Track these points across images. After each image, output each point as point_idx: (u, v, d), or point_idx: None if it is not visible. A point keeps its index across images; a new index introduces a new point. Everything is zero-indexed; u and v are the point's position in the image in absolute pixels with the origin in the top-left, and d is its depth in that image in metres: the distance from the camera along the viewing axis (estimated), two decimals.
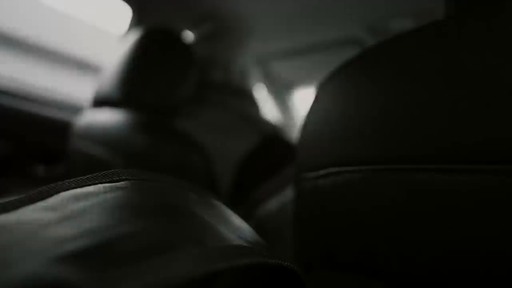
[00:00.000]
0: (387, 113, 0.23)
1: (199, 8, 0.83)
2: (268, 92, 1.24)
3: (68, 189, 0.17)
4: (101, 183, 0.18)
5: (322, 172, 0.27)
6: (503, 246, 0.17)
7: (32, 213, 0.15)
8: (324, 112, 0.28)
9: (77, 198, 0.16)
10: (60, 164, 0.97)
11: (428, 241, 0.20)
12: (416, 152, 0.21)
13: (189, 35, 0.89)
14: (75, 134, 0.71)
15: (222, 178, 0.64)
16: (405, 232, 0.21)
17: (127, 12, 0.88)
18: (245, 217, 0.62)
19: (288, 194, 0.61)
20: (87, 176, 0.18)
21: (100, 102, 0.70)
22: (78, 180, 0.18)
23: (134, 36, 0.66)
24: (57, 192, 0.17)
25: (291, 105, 1.29)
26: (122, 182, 0.18)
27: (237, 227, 0.19)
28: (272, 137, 0.72)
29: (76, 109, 1.01)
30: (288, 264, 0.17)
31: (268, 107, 1.28)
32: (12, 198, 0.16)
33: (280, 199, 0.61)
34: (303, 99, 1.30)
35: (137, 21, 0.87)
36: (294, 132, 1.30)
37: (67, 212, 0.15)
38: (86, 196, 0.16)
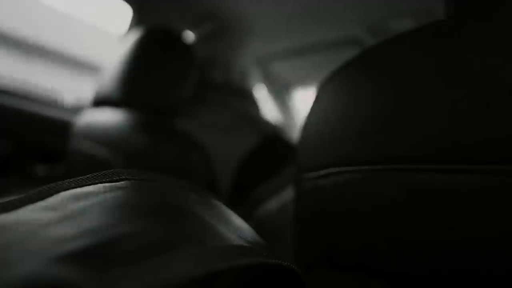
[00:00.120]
0: (387, 113, 0.23)
1: (199, 8, 0.83)
2: (268, 92, 1.24)
3: (68, 189, 0.17)
4: (101, 182, 0.18)
5: (322, 172, 0.27)
6: (503, 246, 0.17)
7: (32, 213, 0.15)
8: (325, 112, 0.28)
9: (77, 197, 0.16)
10: (60, 164, 0.97)
11: (428, 241, 0.20)
12: (416, 152, 0.21)
13: (189, 35, 0.89)
14: (75, 134, 0.71)
15: (222, 178, 0.64)
16: (405, 232, 0.21)
17: (127, 12, 0.88)
18: (245, 217, 0.62)
19: (288, 194, 0.61)
20: (87, 175, 0.18)
21: (100, 101, 0.70)
22: (78, 179, 0.18)
23: (134, 36, 0.66)
24: (57, 191, 0.17)
25: (291, 105, 1.29)
26: (122, 182, 0.18)
27: (237, 227, 0.19)
28: (272, 137, 0.72)
29: (76, 109, 1.01)
30: (288, 264, 0.17)
31: (268, 107, 1.28)
32: (12, 198, 0.16)
33: (280, 199, 0.61)
34: (303, 99, 1.30)
35: (137, 21, 0.87)
36: (294, 132, 1.30)
37: (67, 212, 0.15)
38: (86, 196, 0.16)
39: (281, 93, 1.24)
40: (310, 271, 0.29)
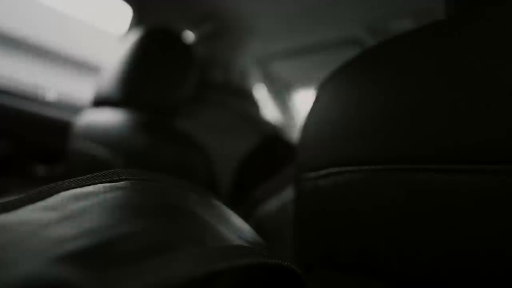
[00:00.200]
0: (387, 113, 0.23)
1: (199, 8, 0.83)
2: (268, 93, 1.24)
3: (68, 189, 0.17)
4: (101, 183, 0.18)
5: (322, 172, 0.27)
6: (503, 246, 0.17)
7: (32, 213, 0.15)
8: (325, 112, 0.28)
9: (77, 198, 0.16)
10: (60, 164, 0.97)
11: (428, 241, 0.20)
12: (416, 152, 0.21)
13: (189, 35, 0.89)
14: (75, 134, 0.71)
15: (222, 178, 0.64)
16: (405, 232, 0.21)
17: (127, 12, 0.88)
18: (245, 217, 0.62)
19: (288, 194, 0.61)
20: (87, 176, 0.18)
21: (100, 102, 0.70)
22: (78, 180, 0.18)
23: (134, 36, 0.66)
24: (57, 192, 0.17)
25: (291, 106, 1.29)
26: (122, 182, 0.18)
27: (237, 227, 0.19)
28: (272, 137, 0.72)
29: (76, 109, 1.01)
30: (288, 264, 0.17)
31: (268, 108, 1.28)
32: (12, 198, 0.16)
33: (280, 199, 0.61)
34: (303, 99, 1.30)
35: (137, 21, 0.87)
36: (295, 132, 1.30)
37: (67, 212, 0.15)
38: (86, 196, 0.16)
39: (281, 93, 1.24)
40: (310, 271, 0.29)
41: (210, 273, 0.13)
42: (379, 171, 0.22)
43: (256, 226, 0.60)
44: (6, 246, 0.12)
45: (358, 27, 0.82)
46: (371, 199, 0.23)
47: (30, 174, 0.91)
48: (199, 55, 0.85)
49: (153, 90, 0.62)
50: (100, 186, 0.17)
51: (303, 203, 0.29)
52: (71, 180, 0.18)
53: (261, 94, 1.23)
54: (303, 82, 1.20)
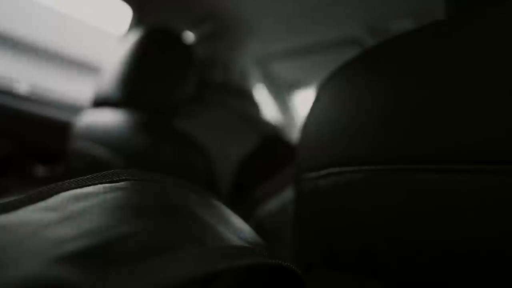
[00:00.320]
0: (387, 113, 0.23)
1: (199, 8, 0.83)
2: (268, 93, 1.24)
3: (68, 190, 0.17)
4: (101, 183, 0.18)
5: (322, 172, 0.27)
6: (503, 246, 0.17)
7: (32, 214, 0.15)
8: (325, 112, 0.28)
9: (77, 198, 0.16)
10: (60, 164, 0.97)
11: (428, 241, 0.20)
12: (416, 152, 0.21)
13: (189, 35, 0.89)
14: (75, 134, 0.71)
15: (222, 178, 0.64)
16: (405, 232, 0.21)
17: (127, 12, 0.88)
18: (245, 217, 0.62)
19: (288, 194, 0.61)
20: (87, 176, 0.18)
21: (100, 102, 0.70)
22: (78, 180, 0.18)
23: (134, 37, 0.66)
24: (57, 192, 0.17)
25: (291, 106, 1.29)
26: (122, 183, 0.18)
27: (237, 227, 0.19)
28: (272, 137, 0.72)
29: (76, 109, 1.01)
30: (288, 264, 0.17)
31: (268, 108, 1.28)
32: (12, 198, 0.16)
33: (280, 199, 0.61)
34: (303, 99, 1.30)
35: (137, 21, 0.87)
36: (295, 133, 1.30)
37: (67, 213, 0.15)
38: (86, 196, 0.16)
39: (281, 93, 1.24)
40: (310, 271, 0.29)
41: (210, 273, 0.13)
42: (379, 171, 0.22)
43: (256, 226, 0.60)
44: (6, 247, 0.12)
45: (358, 27, 0.82)
46: (371, 199, 0.23)
47: (30, 175, 0.91)
48: (199, 55, 0.85)
49: (153, 90, 0.62)
50: (100, 186, 0.17)
51: (303, 203, 0.29)
52: (71, 180, 0.18)
53: (261, 94, 1.23)
54: (303, 82, 1.20)
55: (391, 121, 0.22)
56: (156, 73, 0.62)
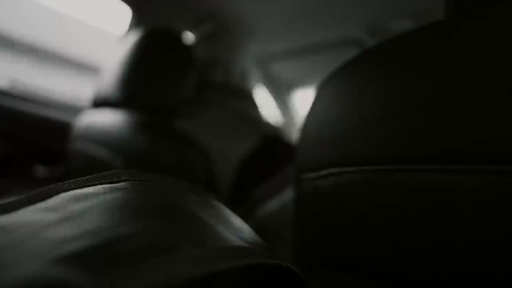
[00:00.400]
0: (387, 113, 0.23)
1: (199, 8, 0.83)
2: (268, 93, 1.24)
3: (68, 190, 0.17)
4: (101, 184, 0.18)
5: (322, 172, 0.27)
6: (503, 246, 0.17)
7: (32, 214, 0.15)
8: (324, 112, 0.28)
9: (77, 199, 0.16)
10: (60, 165, 0.97)
11: (428, 242, 0.20)
12: (416, 153, 0.21)
13: (189, 36, 0.89)
14: (75, 135, 0.71)
15: (222, 178, 0.64)
16: (405, 233, 0.21)
17: (127, 12, 0.88)
18: (245, 217, 0.62)
19: (288, 194, 0.61)
20: (87, 177, 0.18)
21: (100, 102, 0.70)
22: (78, 181, 0.18)
23: (134, 37, 0.66)
24: (57, 193, 0.17)
25: (291, 106, 1.29)
26: (122, 183, 0.18)
27: (237, 227, 0.19)
28: (272, 137, 0.73)
29: (76, 110, 1.01)
30: (288, 264, 0.17)
31: (268, 108, 1.28)
32: (12, 199, 0.16)
33: (280, 199, 0.61)
34: (303, 99, 1.30)
35: (137, 21, 0.87)
36: (295, 133, 1.30)
37: (67, 213, 0.15)
38: (86, 197, 0.16)
39: (281, 94, 1.24)
40: (310, 271, 0.29)
41: (210, 273, 0.13)
42: (379, 171, 0.22)
43: (256, 226, 0.60)
44: (6, 247, 0.12)
45: (358, 27, 0.82)
46: (371, 199, 0.23)
47: (30, 175, 0.91)
48: (199, 56, 0.85)
49: (153, 90, 0.62)
50: (100, 187, 0.17)
51: (303, 204, 0.29)
52: (71, 181, 0.18)
53: (261, 95, 1.23)
54: (303, 82, 1.20)
55: (391, 121, 0.22)
56: (156, 73, 0.62)
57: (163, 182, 0.20)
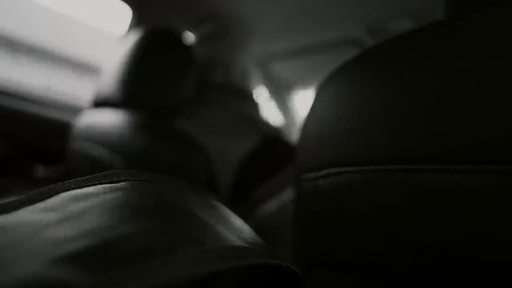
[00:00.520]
0: (387, 114, 0.23)
1: (199, 8, 0.83)
2: (269, 93, 1.24)
3: (67, 190, 0.17)
4: (100, 183, 0.18)
5: (322, 172, 0.27)
6: (503, 246, 0.17)
7: (32, 214, 0.15)
8: (324, 113, 0.28)
9: (76, 199, 0.16)
10: (60, 165, 0.97)
11: (428, 242, 0.20)
12: (416, 153, 0.21)
13: (189, 36, 0.89)
14: (75, 135, 0.71)
15: (222, 178, 0.64)
16: (405, 233, 0.21)
17: (127, 12, 0.88)
18: (245, 217, 0.62)
19: (288, 194, 0.61)
20: (87, 177, 0.18)
21: (100, 102, 0.70)
22: (78, 181, 0.18)
23: (134, 37, 0.66)
24: (57, 193, 0.17)
25: (291, 106, 1.29)
26: (122, 183, 0.18)
27: (237, 227, 0.19)
28: (272, 137, 0.73)
29: (76, 110, 1.01)
30: (288, 264, 0.17)
31: (268, 108, 1.28)
32: (11, 199, 0.16)
33: (280, 199, 0.61)
34: (303, 99, 1.30)
35: (137, 21, 0.87)
36: (295, 133, 1.30)
37: (67, 213, 0.15)
38: (86, 197, 0.16)
39: (281, 94, 1.24)
40: (310, 271, 0.29)
41: (210, 273, 0.13)
42: (379, 171, 0.22)
43: (256, 226, 0.60)
44: (6, 247, 0.12)
45: (358, 27, 0.82)
46: (371, 199, 0.23)
47: (30, 175, 0.91)
48: (199, 56, 0.85)
49: (153, 90, 0.62)
50: (100, 187, 0.17)
51: (303, 204, 0.29)
52: (70, 181, 0.18)
53: (262, 95, 1.23)
54: (303, 82, 1.20)
55: (390, 121, 0.22)
56: (156, 73, 0.62)
57: (163, 182, 0.20)
